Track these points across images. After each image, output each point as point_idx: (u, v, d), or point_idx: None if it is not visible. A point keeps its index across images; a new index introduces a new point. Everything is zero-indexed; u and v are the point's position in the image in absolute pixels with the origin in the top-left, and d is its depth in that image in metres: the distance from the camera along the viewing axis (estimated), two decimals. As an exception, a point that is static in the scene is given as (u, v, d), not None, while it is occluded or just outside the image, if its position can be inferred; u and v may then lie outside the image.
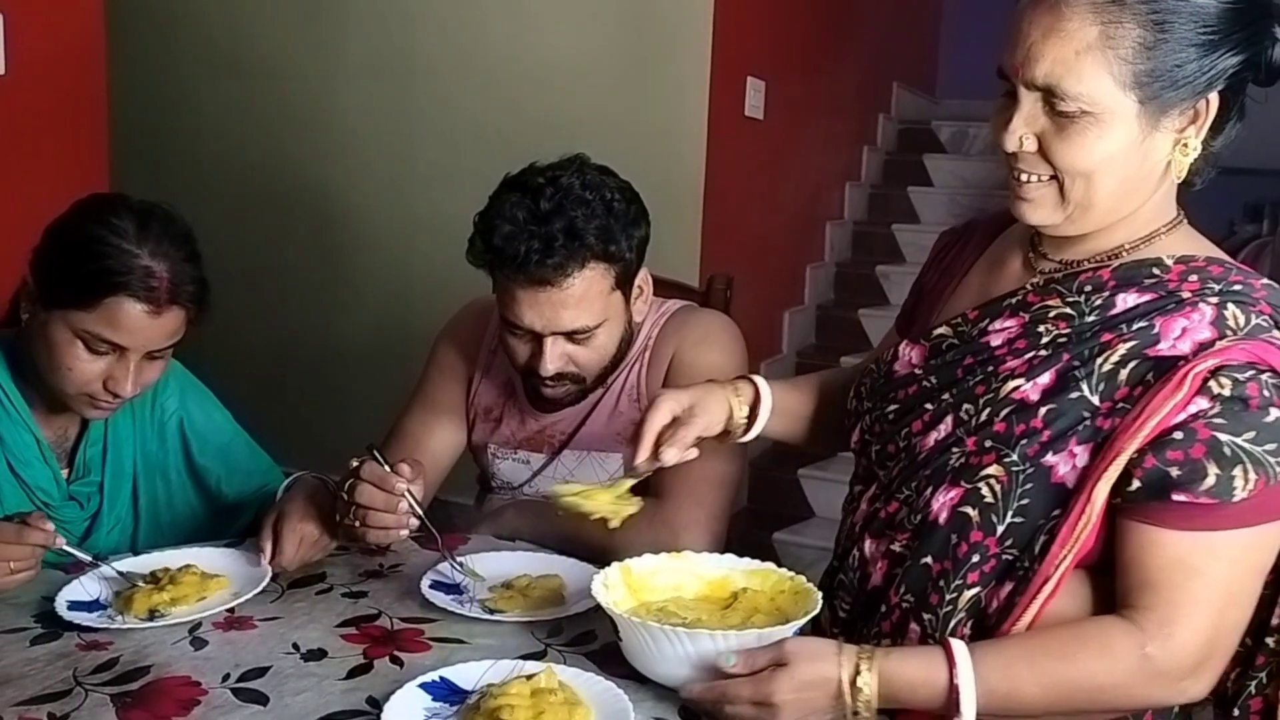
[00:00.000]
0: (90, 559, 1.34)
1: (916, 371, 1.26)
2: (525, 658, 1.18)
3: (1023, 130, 1.10)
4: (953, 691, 1.03)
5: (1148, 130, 1.08)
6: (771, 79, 3.78)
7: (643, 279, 1.62)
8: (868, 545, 1.24)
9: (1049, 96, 1.08)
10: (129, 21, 3.71)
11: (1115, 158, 1.08)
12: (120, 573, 1.33)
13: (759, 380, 1.39)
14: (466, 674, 1.10)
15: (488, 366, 1.74)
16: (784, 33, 3.93)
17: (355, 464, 1.36)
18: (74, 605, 1.26)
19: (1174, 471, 1.03)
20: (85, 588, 1.30)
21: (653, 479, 1.58)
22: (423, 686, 1.08)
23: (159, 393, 1.55)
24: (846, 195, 4.79)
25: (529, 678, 1.05)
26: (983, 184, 4.82)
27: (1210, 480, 1.02)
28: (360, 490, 1.33)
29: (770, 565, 1.25)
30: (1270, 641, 1.14)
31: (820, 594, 1.17)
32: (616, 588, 1.22)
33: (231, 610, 1.28)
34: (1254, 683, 1.15)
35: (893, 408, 1.27)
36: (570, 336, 1.52)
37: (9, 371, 1.45)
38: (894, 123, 5.24)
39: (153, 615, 1.24)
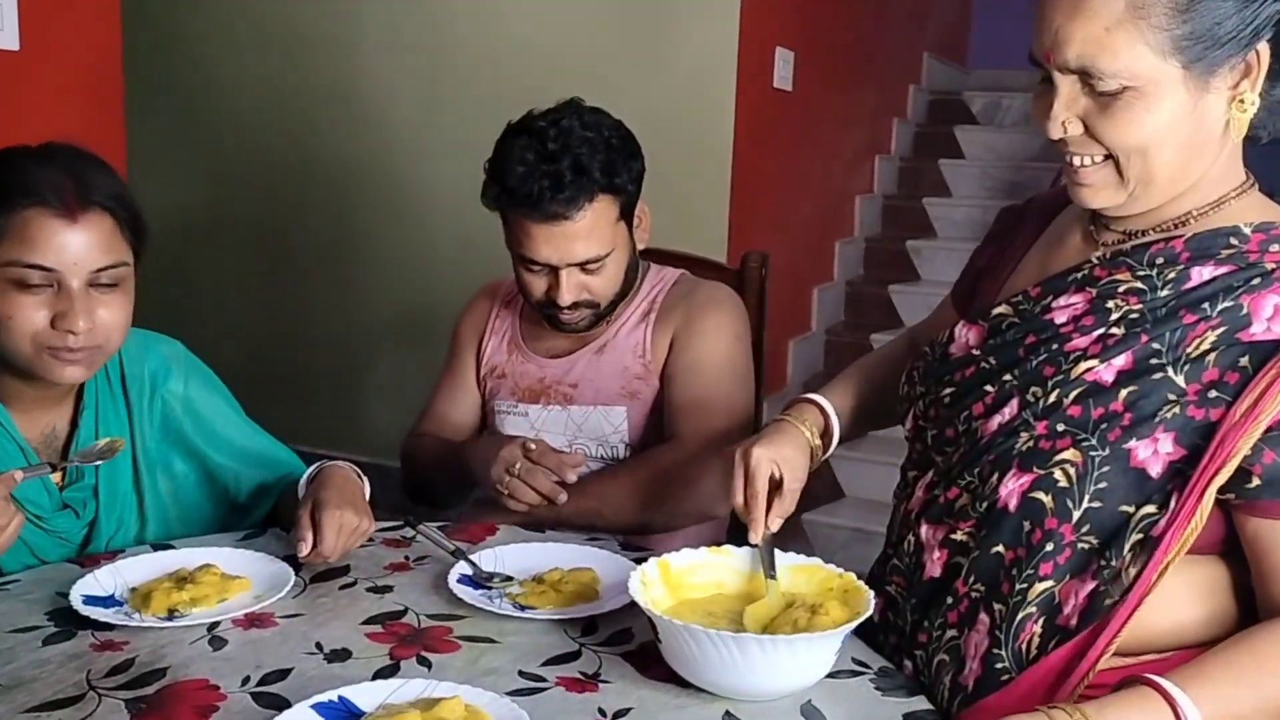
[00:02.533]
0: (49, 468, 1.28)
1: (974, 352, 1.20)
2: (559, 659, 1.13)
3: (1064, 115, 1.05)
4: None
5: (1198, 94, 1.02)
6: (801, 49, 3.69)
7: (641, 209, 1.72)
8: (924, 531, 1.18)
9: (1086, 77, 1.02)
10: (146, -5, 3.66)
11: (1168, 127, 1.02)
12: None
13: (821, 401, 1.37)
14: (370, 694, 1.00)
15: (494, 329, 1.84)
16: (813, 2, 3.83)
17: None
18: (89, 600, 1.21)
19: None
20: (100, 582, 1.25)
21: (670, 419, 1.69)
22: (316, 707, 0.99)
23: (158, 382, 1.45)
24: (876, 168, 4.69)
25: (434, 703, 0.97)
26: (1016, 156, 4.71)
27: None
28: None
29: (816, 561, 1.19)
30: None
31: (872, 594, 1.10)
32: (654, 585, 1.16)
33: (252, 608, 1.22)
34: None
35: (949, 390, 1.21)
36: (583, 267, 1.63)
37: None
38: (924, 94, 5.13)
39: (171, 615, 1.19)
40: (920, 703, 1.06)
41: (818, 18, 3.87)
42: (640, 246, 1.74)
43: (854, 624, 1.05)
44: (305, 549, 1.29)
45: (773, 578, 1.18)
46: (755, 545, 1.22)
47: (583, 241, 1.60)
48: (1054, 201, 1.29)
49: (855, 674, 1.11)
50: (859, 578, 1.15)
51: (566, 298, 1.63)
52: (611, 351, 1.74)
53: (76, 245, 1.24)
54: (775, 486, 1.26)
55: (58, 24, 2.23)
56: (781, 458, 1.26)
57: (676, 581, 1.19)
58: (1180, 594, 1.05)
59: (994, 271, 1.30)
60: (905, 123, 4.94)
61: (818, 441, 1.34)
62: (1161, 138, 1.03)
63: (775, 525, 1.23)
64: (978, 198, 4.61)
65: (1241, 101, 1.03)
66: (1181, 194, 1.09)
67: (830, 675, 1.09)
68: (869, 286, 4.37)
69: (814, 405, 1.37)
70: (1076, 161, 1.08)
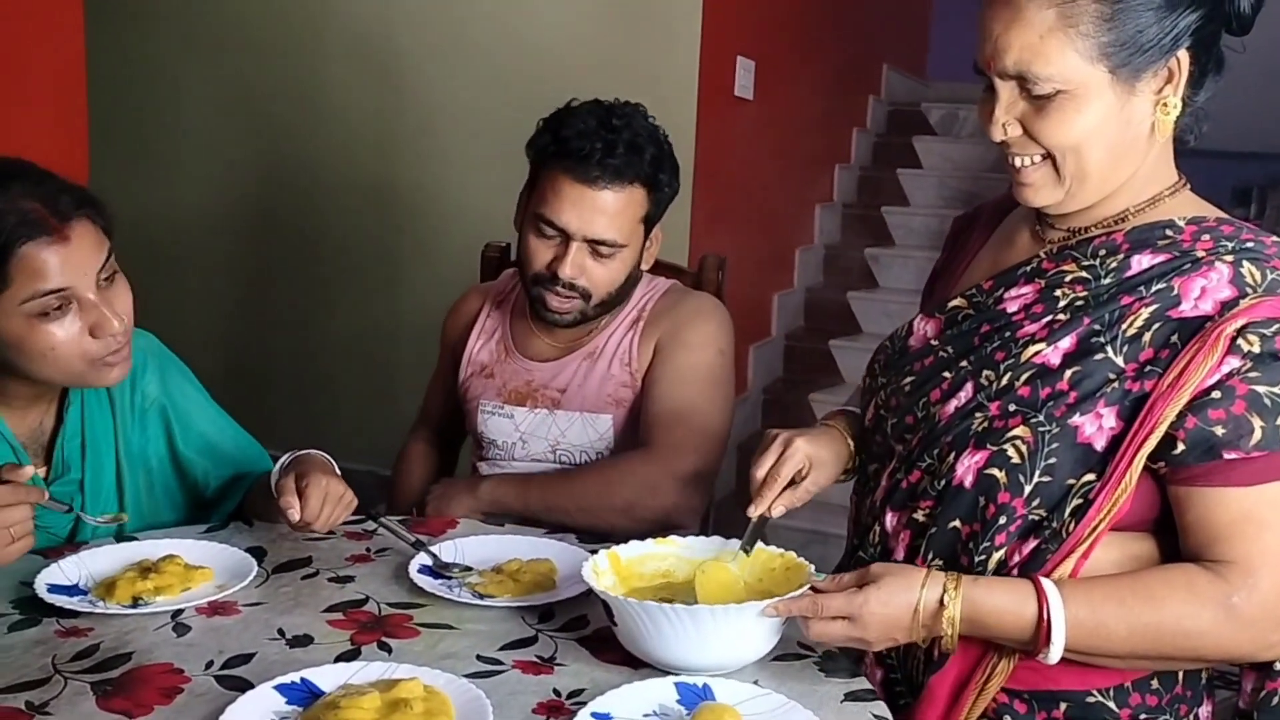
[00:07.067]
0: (67, 507, 1.31)
1: (932, 343, 1.27)
2: (516, 644, 1.16)
3: (1005, 118, 1.14)
4: (1043, 623, 1.06)
5: (1124, 96, 1.11)
6: (761, 59, 3.75)
7: (656, 233, 1.72)
8: (889, 519, 1.24)
9: (1023, 82, 1.12)
10: (109, -2, 3.66)
11: (1098, 127, 1.11)
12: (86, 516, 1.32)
13: (854, 411, 1.42)
14: (331, 676, 1.05)
15: (483, 329, 1.84)
16: (774, 11, 3.90)
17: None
18: (54, 588, 1.23)
19: (1219, 430, 1.06)
20: (65, 572, 1.27)
21: (644, 428, 1.68)
22: (278, 688, 1.03)
23: (137, 376, 1.47)
24: (836, 177, 4.76)
25: (393, 684, 1.00)
26: (972, 166, 4.80)
27: (1257, 434, 1.05)
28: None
29: (758, 544, 1.24)
30: None
31: (813, 567, 1.17)
32: (606, 575, 1.21)
33: (215, 596, 1.25)
34: None
35: (909, 379, 1.27)
36: (595, 249, 1.62)
37: None
38: (884, 104, 5.21)
39: (135, 603, 1.21)
40: (860, 683, 1.11)
41: (779, 27, 3.94)
42: (644, 267, 1.74)
43: (799, 592, 1.10)
44: (295, 515, 1.31)
45: (746, 551, 1.22)
46: (749, 517, 1.26)
47: (607, 219, 1.60)
48: (1001, 207, 1.37)
49: (800, 657, 1.16)
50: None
51: (568, 270, 1.61)
52: (601, 360, 1.74)
53: (77, 259, 1.27)
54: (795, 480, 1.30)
55: (20, 27, 2.23)
56: (817, 458, 1.31)
57: (627, 571, 1.23)
58: (1112, 567, 1.12)
59: (948, 271, 1.39)
60: (865, 132, 5.02)
61: (852, 443, 1.37)
62: (1092, 136, 1.12)
63: (777, 512, 1.27)
64: (935, 207, 4.69)
65: (1165, 105, 1.13)
66: (1117, 193, 1.18)
67: (776, 658, 1.14)
68: (828, 293, 4.44)
69: (849, 414, 1.41)
70: (1018, 162, 1.17)
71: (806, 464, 1.30)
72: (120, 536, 1.43)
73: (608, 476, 1.63)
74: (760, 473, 1.28)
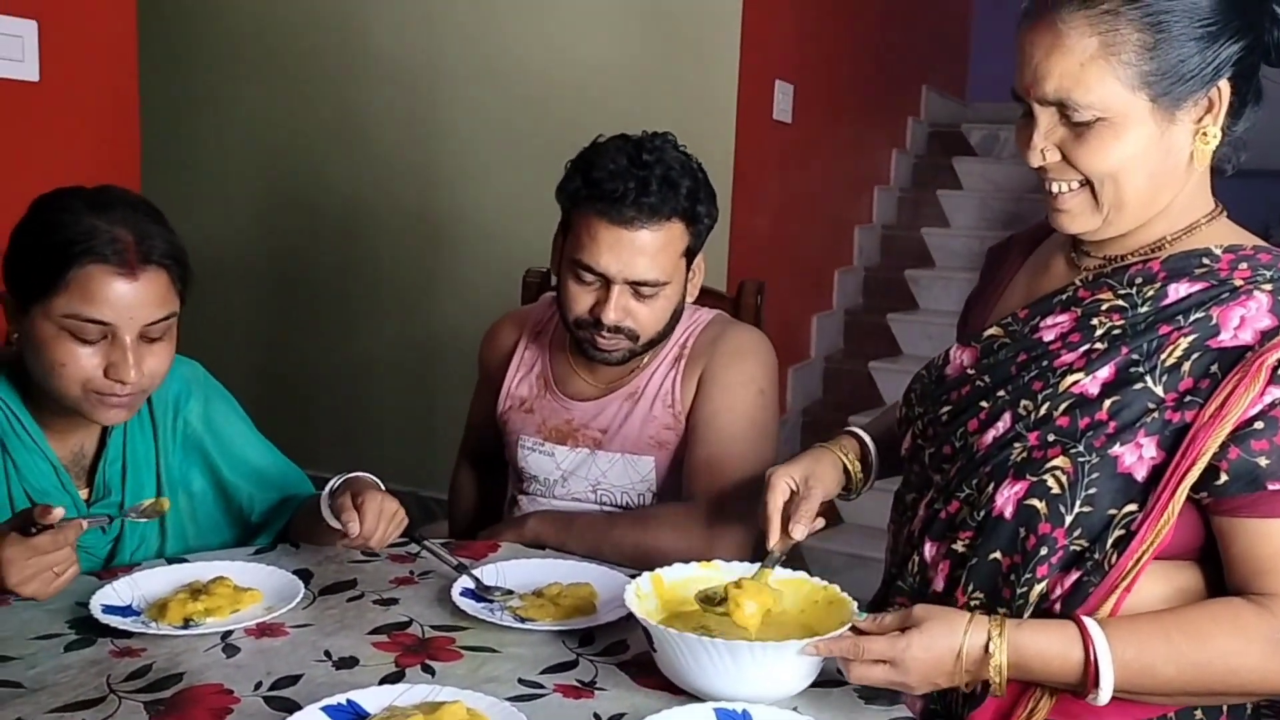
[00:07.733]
0: (108, 518, 1.35)
1: (969, 372, 1.27)
2: (556, 668, 1.18)
3: (1043, 144, 1.14)
4: (1090, 666, 1.05)
5: (1164, 125, 1.11)
6: (800, 82, 3.77)
7: (698, 263, 1.68)
8: (928, 549, 1.24)
9: (1062, 109, 1.11)
10: (159, 27, 3.75)
11: (1137, 156, 1.11)
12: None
13: (858, 431, 1.45)
14: (376, 698, 1.06)
15: (522, 360, 1.81)
16: (813, 36, 3.92)
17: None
18: (108, 609, 1.26)
19: (1263, 461, 1.05)
20: (118, 593, 1.30)
21: (686, 477, 1.66)
22: (325, 709, 1.04)
23: (180, 404, 1.50)
24: (875, 199, 4.76)
25: (437, 707, 1.02)
26: (1014, 188, 4.78)
27: None
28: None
29: (803, 574, 1.24)
30: None
31: (855, 604, 1.16)
32: (649, 598, 1.22)
33: (263, 618, 1.28)
34: None
35: (946, 409, 1.27)
36: (637, 290, 1.58)
37: (18, 395, 1.39)
38: (924, 125, 5.21)
39: (187, 624, 1.24)
40: (900, 711, 1.11)
41: (817, 51, 3.95)
42: (690, 299, 1.70)
43: (839, 632, 1.10)
44: (355, 529, 1.33)
45: (766, 567, 1.24)
46: (769, 550, 1.28)
47: (647, 259, 1.55)
48: (1036, 232, 1.38)
49: (841, 684, 1.16)
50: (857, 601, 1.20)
51: (612, 315, 1.57)
52: (643, 401, 1.70)
53: (133, 300, 1.30)
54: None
55: (77, 56, 2.30)
56: (798, 473, 1.34)
57: (670, 595, 1.24)
58: (1157, 597, 1.12)
59: (982, 299, 1.39)
60: (904, 154, 5.02)
61: (855, 461, 1.41)
62: (1131, 164, 1.12)
63: (798, 533, 1.28)
64: (976, 229, 4.68)
65: (1205, 134, 1.13)
66: (1154, 220, 1.17)
67: (815, 684, 1.14)
68: (868, 315, 4.43)
69: (850, 434, 1.46)
70: (1055, 188, 1.17)
71: (791, 483, 1.32)
72: (171, 559, 1.46)
73: (647, 527, 1.60)
74: (761, 521, 1.32)
